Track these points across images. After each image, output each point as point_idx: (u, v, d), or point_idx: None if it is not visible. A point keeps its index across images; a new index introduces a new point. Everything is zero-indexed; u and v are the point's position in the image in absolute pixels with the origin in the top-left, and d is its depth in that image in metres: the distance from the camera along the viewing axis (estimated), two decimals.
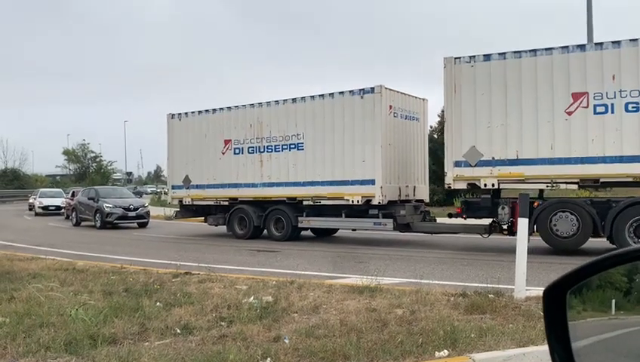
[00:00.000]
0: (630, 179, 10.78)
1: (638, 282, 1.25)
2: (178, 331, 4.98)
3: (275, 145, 15.17)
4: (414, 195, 14.53)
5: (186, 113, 17.44)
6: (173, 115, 17.72)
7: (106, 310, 5.51)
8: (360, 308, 5.68)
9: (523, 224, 6.38)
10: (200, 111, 17.09)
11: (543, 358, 1.28)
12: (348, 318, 5.25)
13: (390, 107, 13.85)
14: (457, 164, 12.02)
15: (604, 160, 10.74)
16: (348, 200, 13.82)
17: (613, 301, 1.27)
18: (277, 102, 15.35)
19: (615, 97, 10.66)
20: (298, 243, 14.49)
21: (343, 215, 14.21)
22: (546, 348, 1.29)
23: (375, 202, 13.49)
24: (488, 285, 6.49)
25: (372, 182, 13.49)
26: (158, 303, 6.01)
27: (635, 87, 10.50)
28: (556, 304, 1.28)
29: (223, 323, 5.22)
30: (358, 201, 13.69)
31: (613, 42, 10.75)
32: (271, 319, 5.28)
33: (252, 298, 6.07)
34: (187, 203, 17.28)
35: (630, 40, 10.61)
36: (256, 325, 5.05)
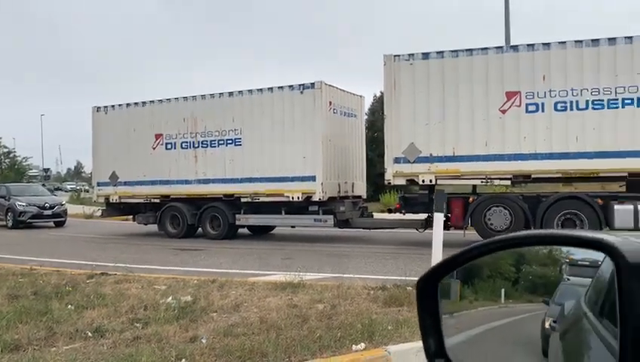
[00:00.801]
0: (559, 175, 11.21)
1: (524, 272, 1.28)
2: (89, 334, 4.78)
3: (211, 141, 14.72)
4: (353, 191, 14.53)
5: (112, 106, 16.62)
6: (98, 107, 16.85)
7: (9, 315, 5.18)
8: (281, 305, 5.64)
9: (438, 218, 6.75)
10: (128, 104, 16.32)
11: None
12: (268, 315, 5.19)
13: (330, 103, 13.76)
14: (397, 160, 12.10)
15: (535, 157, 11.10)
16: (288, 196, 13.60)
17: (503, 290, 1.30)
18: (212, 95, 14.85)
19: (545, 97, 11.05)
20: (231, 241, 14.15)
21: (283, 212, 13.96)
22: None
23: (315, 198, 13.35)
24: (407, 278, 6.58)
25: (313, 178, 13.34)
26: (69, 306, 5.76)
27: (564, 87, 10.91)
28: (428, 295, 1.27)
29: (137, 325, 5.04)
30: (298, 198, 13.50)
31: (543, 44, 11.12)
32: (189, 319, 5.15)
33: (170, 298, 5.88)
34: (114, 201, 16.44)
35: (559, 42, 11.02)
36: (173, 326, 4.91)
